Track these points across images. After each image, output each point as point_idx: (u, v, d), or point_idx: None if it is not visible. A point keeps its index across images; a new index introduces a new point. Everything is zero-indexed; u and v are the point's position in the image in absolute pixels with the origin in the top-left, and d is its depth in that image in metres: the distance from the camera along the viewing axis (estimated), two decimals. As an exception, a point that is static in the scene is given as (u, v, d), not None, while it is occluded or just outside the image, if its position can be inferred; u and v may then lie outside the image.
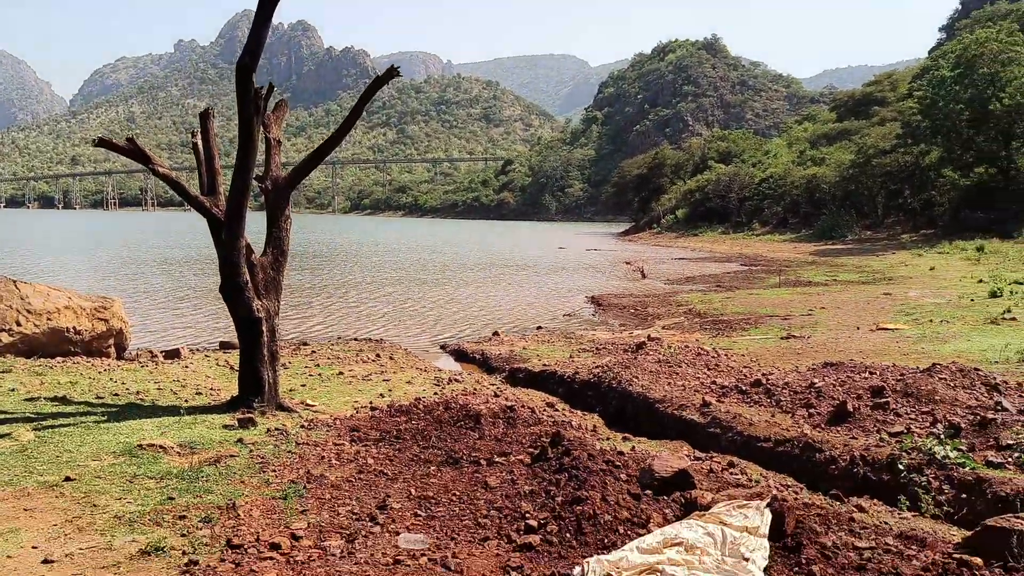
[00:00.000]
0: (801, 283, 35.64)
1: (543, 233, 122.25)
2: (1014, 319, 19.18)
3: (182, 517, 6.91)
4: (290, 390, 13.01)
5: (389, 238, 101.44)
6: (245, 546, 6.27)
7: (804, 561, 5.71)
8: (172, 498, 7.39)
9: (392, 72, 11.06)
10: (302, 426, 10.42)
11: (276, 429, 10.16)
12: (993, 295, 24.84)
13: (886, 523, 6.85)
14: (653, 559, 5.58)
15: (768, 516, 6.08)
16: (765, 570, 5.58)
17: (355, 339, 21.50)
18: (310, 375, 15.10)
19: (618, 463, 7.63)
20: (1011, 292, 25.33)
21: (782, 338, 19.05)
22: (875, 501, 7.95)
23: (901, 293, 27.57)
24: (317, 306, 30.39)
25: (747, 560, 5.60)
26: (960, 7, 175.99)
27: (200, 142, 12.32)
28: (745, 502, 6.31)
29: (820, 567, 5.61)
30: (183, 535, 6.52)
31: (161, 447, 9.03)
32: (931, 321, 20.16)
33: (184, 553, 6.16)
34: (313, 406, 11.96)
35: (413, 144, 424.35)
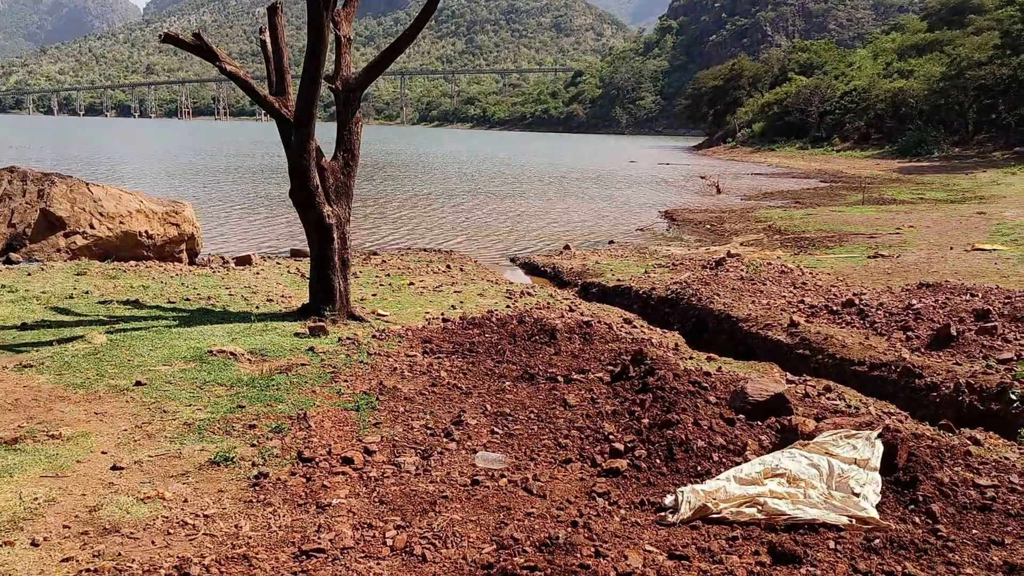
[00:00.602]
0: (885, 201, 34.04)
1: (614, 146, 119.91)
2: None
3: (252, 426, 6.69)
4: (361, 299, 12.75)
5: (457, 149, 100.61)
6: (316, 459, 6.01)
7: (921, 499, 5.17)
8: (242, 406, 7.19)
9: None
10: (374, 336, 10.16)
11: (347, 338, 9.91)
12: (1100, 216, 23.28)
13: (1007, 458, 6.25)
14: (754, 490, 5.12)
15: (880, 448, 5.54)
16: (877, 507, 5.08)
17: (424, 250, 21.21)
18: (380, 284, 14.84)
19: (706, 384, 7.13)
20: (1120, 213, 23.70)
21: (869, 257, 18.09)
22: (990, 434, 7.32)
23: (996, 213, 26.03)
24: (387, 216, 30.19)
25: (857, 495, 5.10)
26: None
27: (268, 39, 11.84)
28: (853, 431, 5.76)
29: (939, 506, 5.08)
30: (253, 445, 6.30)
31: (232, 354, 8.85)
32: (1032, 242, 18.94)
33: (254, 464, 5.93)
34: (384, 316, 11.69)
35: (482, 54, 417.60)
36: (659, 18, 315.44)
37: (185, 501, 5.26)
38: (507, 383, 7.99)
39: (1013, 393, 8.07)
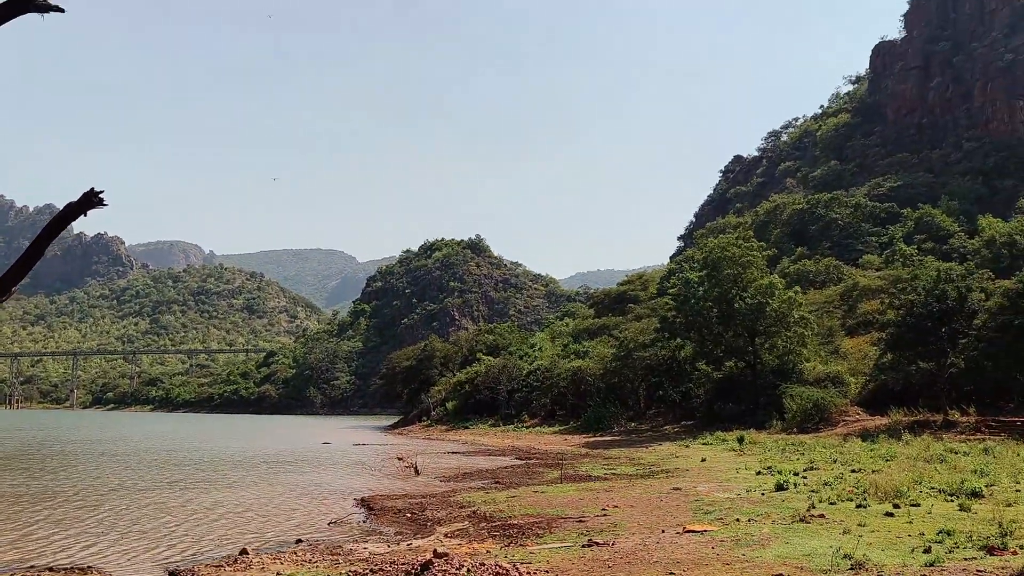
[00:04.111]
0: (581, 477, 33.97)
1: (307, 427, 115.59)
2: (822, 516, 18.03)
3: None
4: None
5: (128, 433, 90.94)
6: None
7: None
8: None
9: (90, 201, 8.02)
10: None
11: None
12: (780, 487, 24.16)
13: None
14: None
15: None
16: None
17: (50, 569, 16.50)
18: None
19: None
20: (795, 484, 24.81)
21: (584, 545, 16.60)
22: None
23: (690, 488, 26.35)
24: (16, 520, 24.37)
25: None
26: (695, 220, 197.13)
27: None
28: None
29: None
30: None
31: None
32: (738, 521, 18.59)
33: None
34: None
35: (168, 334, 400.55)
36: (353, 302, 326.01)
37: None
38: None
39: None
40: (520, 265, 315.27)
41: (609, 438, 61.37)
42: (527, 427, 78.20)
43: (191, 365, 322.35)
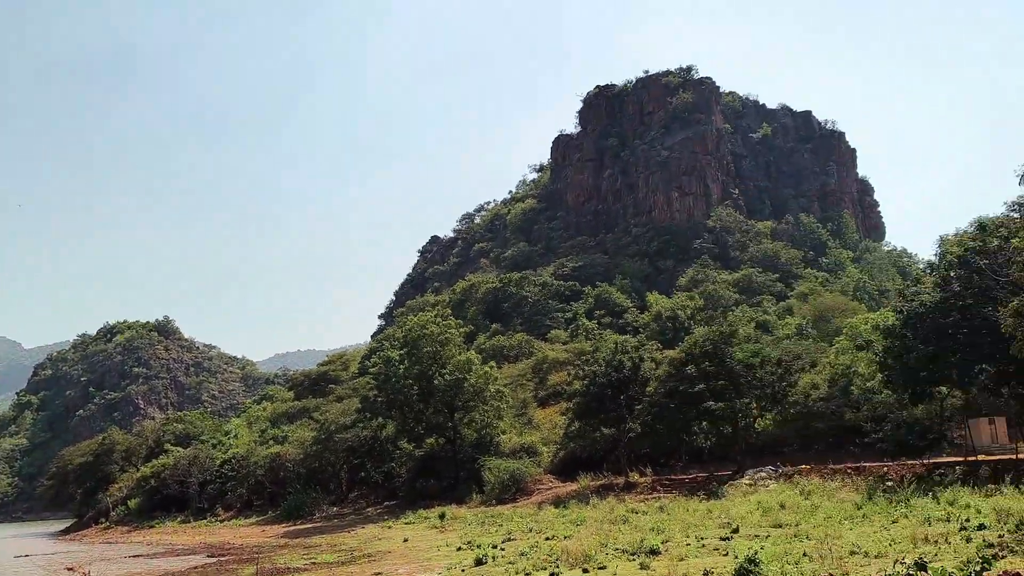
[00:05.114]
0: (279, 571, 32.17)
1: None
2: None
3: None
4: None
5: None
6: None
7: None
8: None
9: None
10: None
11: None
12: (479, 562, 24.49)
13: None
14: None
15: None
16: None
17: None
18: None
19: None
20: (493, 557, 25.25)
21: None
22: None
23: (391, 571, 25.88)
24: None
25: None
26: (395, 298, 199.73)
27: None
28: None
29: None
30: None
31: None
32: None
33: None
34: None
35: None
36: (17, 393, 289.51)
37: None
38: None
39: None
40: (214, 347, 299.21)
41: (310, 525, 59.07)
42: (221, 521, 73.23)
43: None
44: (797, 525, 26.94)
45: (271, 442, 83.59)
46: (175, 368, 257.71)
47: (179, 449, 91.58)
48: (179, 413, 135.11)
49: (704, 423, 49.88)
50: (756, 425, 51.92)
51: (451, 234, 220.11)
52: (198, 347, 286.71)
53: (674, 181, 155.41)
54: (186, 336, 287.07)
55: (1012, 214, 35.94)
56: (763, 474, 43.64)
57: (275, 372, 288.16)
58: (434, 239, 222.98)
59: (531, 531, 33.61)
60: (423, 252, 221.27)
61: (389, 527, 48.59)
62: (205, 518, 76.04)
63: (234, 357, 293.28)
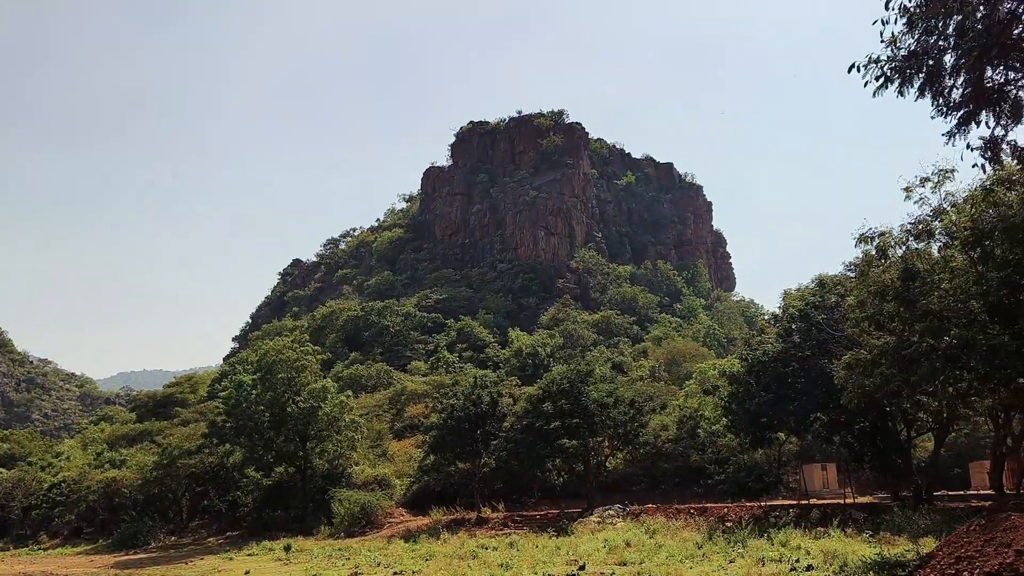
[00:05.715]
0: (108, 604, 30.31)
1: None
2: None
3: None
4: None
5: None
6: None
7: None
8: None
9: None
10: None
11: None
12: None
13: None
14: None
15: None
16: None
17: None
18: None
19: None
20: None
21: None
22: None
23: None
24: None
25: None
26: (251, 321, 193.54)
27: None
28: None
29: None
30: None
31: None
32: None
33: None
34: None
35: None
36: None
37: None
38: None
39: None
40: (50, 363, 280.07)
41: (145, 555, 55.94)
42: (45, 549, 68.41)
43: None
44: (641, 563, 27.78)
45: (107, 466, 78.92)
46: (3, 383, 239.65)
47: (3, 470, 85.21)
48: (5, 432, 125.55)
49: (558, 460, 50.64)
50: (607, 464, 53.19)
51: (314, 258, 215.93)
52: (32, 361, 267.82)
53: (541, 221, 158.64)
54: (19, 349, 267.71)
55: (848, 273, 38.61)
56: (611, 512, 44.64)
57: (117, 391, 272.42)
58: (296, 262, 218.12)
59: (379, 565, 33.12)
60: (284, 275, 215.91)
61: (230, 559, 46.68)
62: (27, 545, 70.84)
63: (72, 374, 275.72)
